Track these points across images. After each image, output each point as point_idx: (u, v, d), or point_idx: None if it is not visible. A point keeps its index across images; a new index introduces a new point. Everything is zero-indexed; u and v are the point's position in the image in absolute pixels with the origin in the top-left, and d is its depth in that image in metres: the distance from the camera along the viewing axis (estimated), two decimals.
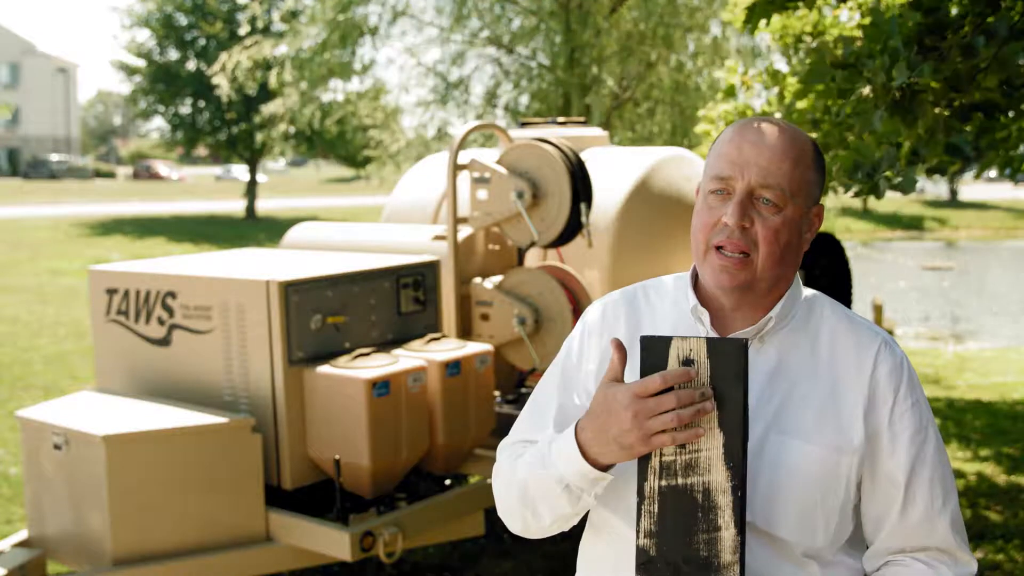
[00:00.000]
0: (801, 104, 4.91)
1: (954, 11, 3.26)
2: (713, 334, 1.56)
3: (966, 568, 1.54)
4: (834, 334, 1.57)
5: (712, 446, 1.38)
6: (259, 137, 21.57)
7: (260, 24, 16.90)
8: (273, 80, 17.12)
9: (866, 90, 3.31)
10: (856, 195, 3.36)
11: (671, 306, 1.63)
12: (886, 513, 1.54)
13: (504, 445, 1.73)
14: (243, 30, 17.29)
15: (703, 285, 1.59)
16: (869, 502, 1.55)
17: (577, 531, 1.75)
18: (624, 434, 1.38)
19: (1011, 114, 3.70)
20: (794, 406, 1.52)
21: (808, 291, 1.63)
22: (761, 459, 1.49)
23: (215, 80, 19.01)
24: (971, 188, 48.33)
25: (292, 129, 18.58)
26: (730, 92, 6.50)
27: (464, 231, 4.65)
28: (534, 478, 1.54)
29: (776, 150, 1.50)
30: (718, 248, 1.51)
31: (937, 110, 3.33)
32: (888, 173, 3.17)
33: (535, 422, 1.68)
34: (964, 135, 3.35)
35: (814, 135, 4.34)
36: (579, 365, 1.66)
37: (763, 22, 4.24)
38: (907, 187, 3.23)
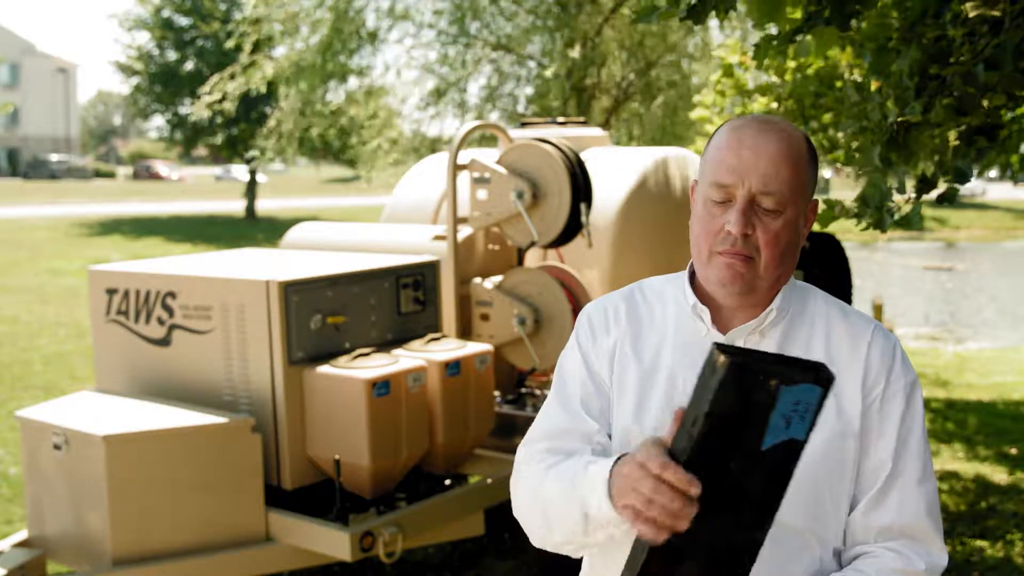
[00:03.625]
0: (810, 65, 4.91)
1: (957, 38, 3.25)
2: (714, 331, 1.57)
3: (938, 559, 1.54)
4: (829, 323, 1.59)
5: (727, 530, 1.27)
6: (259, 144, 21.41)
7: (255, 38, 16.62)
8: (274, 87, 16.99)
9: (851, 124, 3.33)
10: (864, 229, 3.37)
11: (671, 305, 1.64)
12: (866, 490, 1.55)
13: (529, 442, 1.66)
14: (240, 42, 16.98)
15: (702, 284, 1.60)
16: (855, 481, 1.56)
17: None
18: (625, 495, 1.32)
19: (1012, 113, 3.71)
20: None
21: (800, 284, 1.65)
22: None
23: (194, 108, 18.84)
24: (998, 187, 48.57)
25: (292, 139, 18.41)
26: (728, 71, 6.49)
27: (464, 231, 4.65)
28: (560, 496, 1.50)
29: (775, 155, 1.51)
30: (721, 254, 1.52)
31: (941, 135, 3.33)
32: (891, 205, 3.17)
33: (562, 414, 1.64)
34: (968, 159, 3.34)
35: (812, 120, 4.35)
36: (592, 363, 1.64)
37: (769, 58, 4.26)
38: (913, 222, 3.23)
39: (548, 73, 14.23)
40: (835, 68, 5.24)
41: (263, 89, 16.84)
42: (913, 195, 3.41)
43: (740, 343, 1.55)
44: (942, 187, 3.47)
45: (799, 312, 1.59)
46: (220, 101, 17.22)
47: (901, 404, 1.55)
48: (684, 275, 1.65)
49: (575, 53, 13.90)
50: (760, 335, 1.56)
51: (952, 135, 3.37)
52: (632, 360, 1.61)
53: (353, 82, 17.20)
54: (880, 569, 1.51)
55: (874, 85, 3.39)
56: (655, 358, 1.60)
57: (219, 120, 27.85)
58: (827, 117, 4.72)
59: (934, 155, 3.36)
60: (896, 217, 3.24)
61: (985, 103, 3.19)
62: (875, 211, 3.21)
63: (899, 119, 3.02)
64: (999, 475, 6.05)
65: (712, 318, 1.58)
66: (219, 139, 31.88)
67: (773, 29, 3.52)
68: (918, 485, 1.54)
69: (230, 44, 17.45)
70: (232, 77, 17.03)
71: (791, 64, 5.65)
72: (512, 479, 1.67)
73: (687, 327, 1.60)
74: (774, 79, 5.82)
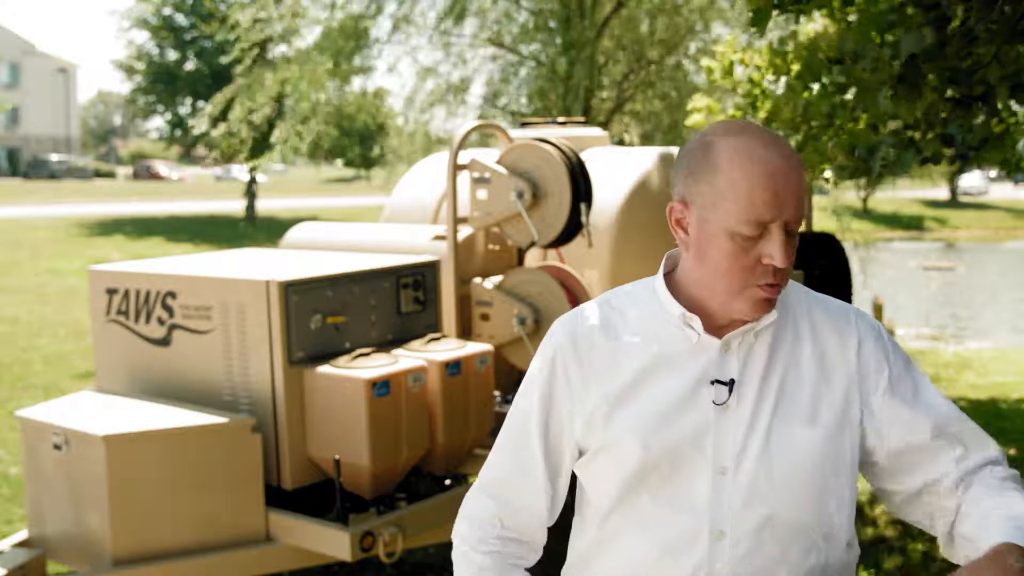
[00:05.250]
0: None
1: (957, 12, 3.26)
2: (707, 336, 1.54)
3: (999, 454, 1.71)
4: (811, 316, 1.60)
5: None
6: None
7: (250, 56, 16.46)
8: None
9: (862, 66, 3.32)
10: (851, 177, 3.38)
11: (647, 315, 1.59)
12: (908, 468, 1.59)
13: (477, 489, 1.68)
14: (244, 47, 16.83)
15: (683, 292, 1.57)
16: (897, 454, 1.58)
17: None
18: None
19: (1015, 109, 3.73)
20: (790, 393, 1.54)
21: None
22: (770, 450, 1.50)
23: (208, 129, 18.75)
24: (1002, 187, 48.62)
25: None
26: (728, 70, 6.46)
27: (464, 231, 4.65)
28: None
29: (798, 182, 1.51)
30: (759, 287, 1.49)
31: (937, 96, 3.34)
32: (884, 154, 3.19)
33: (516, 467, 1.65)
34: (959, 125, 3.35)
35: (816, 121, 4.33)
36: (563, 403, 1.60)
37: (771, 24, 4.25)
38: (902, 168, 3.25)
39: (548, 72, 14.22)
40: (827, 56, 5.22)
41: (267, 109, 16.79)
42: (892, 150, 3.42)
43: (735, 344, 1.54)
44: (928, 151, 3.49)
45: (782, 310, 1.58)
46: (231, 135, 17.15)
47: (910, 382, 1.59)
48: (655, 282, 1.60)
49: (576, 52, 13.89)
50: (753, 337, 1.56)
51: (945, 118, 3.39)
52: (610, 375, 1.56)
53: (357, 83, 17.22)
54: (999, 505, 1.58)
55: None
56: (638, 369, 1.55)
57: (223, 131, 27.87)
58: (830, 132, 4.70)
59: (925, 119, 3.37)
60: (885, 163, 3.26)
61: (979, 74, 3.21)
62: (861, 161, 3.23)
63: (916, 49, 3.00)
64: None
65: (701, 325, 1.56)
66: (219, 141, 31.90)
67: None
68: (963, 422, 1.64)
69: (228, 58, 17.28)
70: (230, 105, 16.94)
71: (794, 72, 5.63)
72: (454, 550, 1.69)
73: (671, 335, 1.56)
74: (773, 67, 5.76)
